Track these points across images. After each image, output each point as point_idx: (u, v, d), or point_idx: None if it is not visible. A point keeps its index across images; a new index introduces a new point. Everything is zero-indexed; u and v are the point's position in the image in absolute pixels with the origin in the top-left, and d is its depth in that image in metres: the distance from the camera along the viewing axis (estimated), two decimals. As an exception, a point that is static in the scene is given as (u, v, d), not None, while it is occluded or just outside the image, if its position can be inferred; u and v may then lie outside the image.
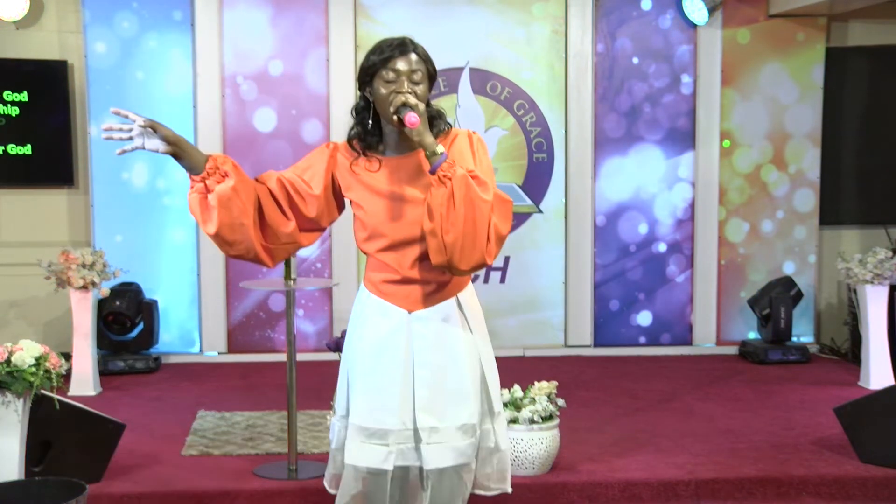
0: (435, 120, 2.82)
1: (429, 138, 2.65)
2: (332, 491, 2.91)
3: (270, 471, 4.27)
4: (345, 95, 6.59)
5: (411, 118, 2.63)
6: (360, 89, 2.84)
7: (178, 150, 2.71)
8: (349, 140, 2.85)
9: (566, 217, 6.77)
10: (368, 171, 2.80)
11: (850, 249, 6.80)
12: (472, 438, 2.78)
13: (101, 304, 6.03)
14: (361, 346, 2.82)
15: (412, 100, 2.67)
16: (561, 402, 4.29)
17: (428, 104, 2.82)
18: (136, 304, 6.25)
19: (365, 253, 2.87)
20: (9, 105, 6.47)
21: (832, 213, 7.02)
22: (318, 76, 6.61)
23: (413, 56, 2.75)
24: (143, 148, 2.72)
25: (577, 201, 6.77)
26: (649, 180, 6.84)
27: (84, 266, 5.64)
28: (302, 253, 6.58)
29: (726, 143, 6.77)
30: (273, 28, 6.59)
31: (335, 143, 2.91)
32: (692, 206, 6.86)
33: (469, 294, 2.88)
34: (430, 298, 2.81)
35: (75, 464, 4.00)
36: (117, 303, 6.15)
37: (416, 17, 6.58)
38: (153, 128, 2.71)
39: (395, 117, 2.69)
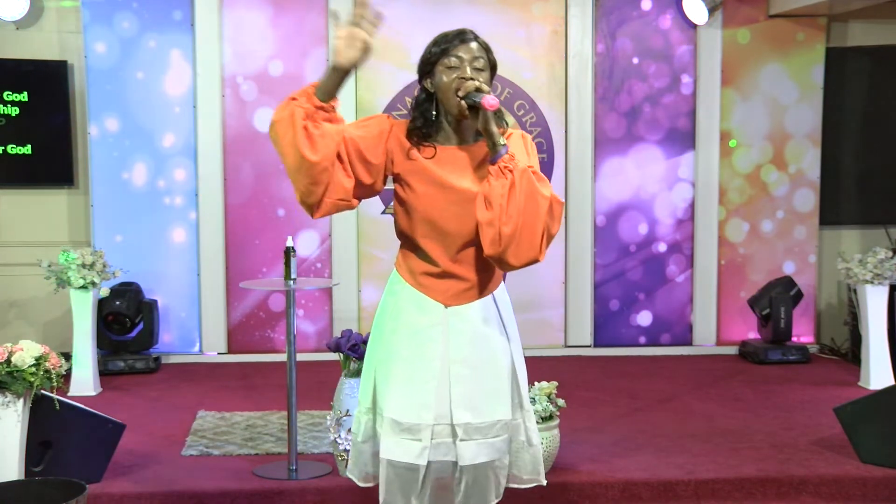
0: (495, 116, 2.81)
1: (495, 128, 2.64)
2: (361, 484, 2.90)
3: (270, 471, 4.28)
4: (345, 95, 6.53)
5: (490, 100, 2.59)
6: (420, 81, 2.81)
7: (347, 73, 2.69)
8: (409, 132, 2.80)
9: (566, 217, 6.77)
10: (425, 157, 2.77)
11: (850, 249, 6.80)
12: (506, 434, 2.80)
13: (101, 304, 6.03)
14: (396, 339, 2.79)
15: (485, 86, 2.65)
16: (561, 402, 4.29)
17: None
18: (136, 304, 6.25)
19: (406, 240, 2.83)
20: (9, 105, 6.47)
21: (832, 213, 7.02)
22: (318, 76, 6.58)
23: (474, 44, 2.75)
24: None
25: (577, 201, 6.77)
26: (649, 180, 6.84)
27: (84, 266, 5.64)
28: (302, 253, 6.58)
29: (732, 142, 6.78)
30: (273, 28, 6.59)
31: (394, 119, 2.85)
32: (692, 206, 6.86)
33: (503, 291, 2.92)
34: (468, 294, 2.81)
35: (75, 464, 4.00)
36: (117, 303, 6.15)
37: (416, 17, 6.57)
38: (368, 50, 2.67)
39: (463, 102, 2.65)
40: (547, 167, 6.75)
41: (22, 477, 3.77)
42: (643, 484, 4.19)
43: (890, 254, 5.79)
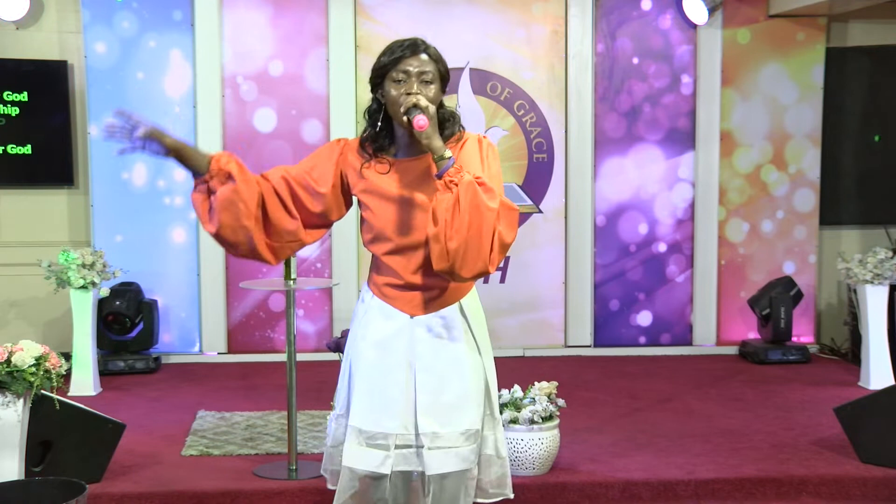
0: (446, 122, 2.80)
1: (437, 142, 2.63)
2: (331, 486, 2.91)
3: (270, 471, 4.28)
4: (345, 96, 6.59)
5: (419, 121, 2.60)
6: (372, 91, 2.81)
7: (180, 156, 2.72)
8: (361, 142, 2.83)
9: (566, 217, 6.77)
10: (378, 172, 2.78)
11: (850, 249, 6.80)
12: (474, 444, 2.77)
13: (101, 304, 6.03)
14: (363, 347, 2.82)
15: (423, 101, 2.64)
16: (561, 402, 4.29)
17: (441, 105, 2.80)
18: (136, 304, 6.25)
19: (372, 254, 2.87)
20: (9, 105, 6.47)
21: (832, 213, 7.02)
22: (318, 76, 6.61)
23: (423, 56, 2.73)
24: (144, 150, 2.69)
25: (577, 201, 6.77)
26: (649, 180, 6.84)
27: (84, 266, 5.64)
28: (302, 253, 6.57)
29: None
30: (273, 28, 6.59)
31: (346, 140, 2.89)
32: (692, 206, 6.86)
33: (472, 299, 2.88)
34: (433, 304, 2.80)
35: (75, 464, 4.00)
36: (117, 303, 6.15)
37: (416, 18, 6.57)
38: (156, 136, 2.70)
39: (405, 118, 2.67)
40: (547, 167, 6.75)
41: (22, 477, 3.76)
42: (643, 484, 4.20)
43: (890, 254, 5.78)
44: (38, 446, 3.97)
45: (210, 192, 2.71)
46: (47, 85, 6.50)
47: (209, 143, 6.51)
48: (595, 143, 6.78)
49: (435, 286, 2.79)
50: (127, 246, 6.48)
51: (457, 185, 2.58)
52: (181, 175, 6.54)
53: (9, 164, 6.50)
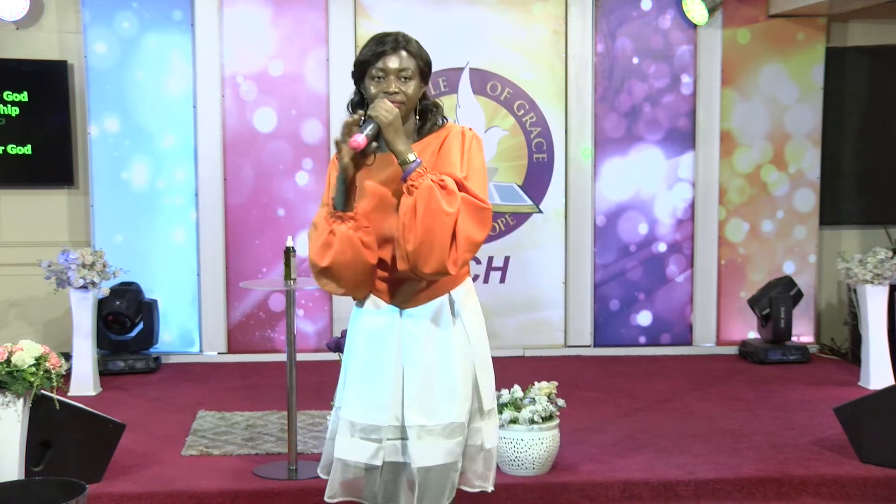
0: (428, 114, 2.81)
1: (400, 145, 2.65)
2: (324, 476, 2.92)
3: (270, 471, 4.28)
4: (345, 95, 6.46)
5: (355, 140, 2.62)
6: (354, 83, 2.84)
7: (353, 183, 2.72)
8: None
9: (566, 217, 6.77)
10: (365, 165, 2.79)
11: (850, 249, 6.80)
12: (459, 437, 2.77)
13: (101, 304, 6.03)
14: (356, 341, 2.85)
15: (383, 112, 2.65)
16: (561, 402, 4.29)
17: (424, 97, 2.82)
18: (136, 304, 6.25)
19: None
20: (9, 105, 6.47)
21: (832, 213, 7.02)
22: (318, 76, 6.61)
23: (403, 53, 2.74)
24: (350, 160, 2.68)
25: (577, 201, 6.77)
26: (649, 180, 6.84)
27: (84, 266, 5.64)
28: (302, 253, 6.56)
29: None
30: (273, 28, 6.59)
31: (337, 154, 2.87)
32: (692, 206, 6.86)
33: (464, 291, 2.85)
34: (421, 296, 2.80)
35: (75, 464, 4.00)
36: (117, 303, 6.15)
37: (416, 17, 6.57)
38: (360, 156, 2.69)
39: (342, 138, 2.67)
40: (547, 167, 6.75)
41: (22, 477, 3.76)
42: (643, 484, 4.20)
43: (890, 254, 5.78)
44: (38, 446, 3.97)
45: (333, 229, 2.71)
46: (47, 85, 6.50)
47: (209, 143, 6.51)
48: (595, 143, 6.78)
49: (423, 278, 2.78)
50: (127, 246, 6.48)
51: (416, 188, 2.61)
52: (181, 175, 6.55)
53: (9, 164, 6.50)
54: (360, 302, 2.87)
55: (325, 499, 2.83)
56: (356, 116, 2.69)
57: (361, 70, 2.78)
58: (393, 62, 2.73)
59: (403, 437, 2.76)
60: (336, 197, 2.71)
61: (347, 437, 2.77)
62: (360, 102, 2.81)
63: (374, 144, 2.69)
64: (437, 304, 2.80)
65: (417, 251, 2.61)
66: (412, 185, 2.63)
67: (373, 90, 2.74)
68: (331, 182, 2.81)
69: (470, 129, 2.83)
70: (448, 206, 2.62)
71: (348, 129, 2.65)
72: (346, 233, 2.68)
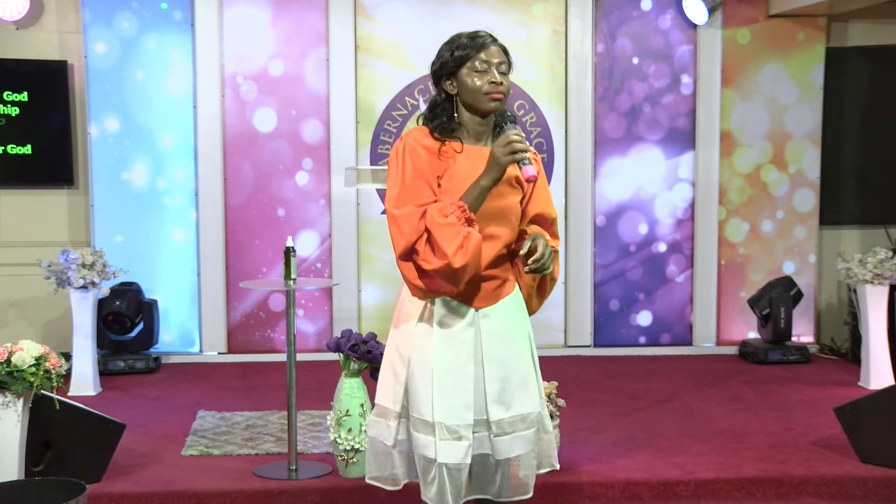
0: (506, 112, 2.88)
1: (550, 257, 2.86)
2: (390, 488, 2.92)
3: (270, 471, 4.27)
4: (345, 96, 6.59)
5: (529, 171, 2.69)
6: (437, 83, 2.84)
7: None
8: (434, 130, 2.81)
9: (566, 217, 6.77)
10: (454, 150, 2.80)
11: (850, 249, 6.80)
12: (536, 426, 2.88)
13: (101, 304, 6.03)
14: (430, 345, 2.80)
15: (529, 151, 2.73)
16: (561, 402, 4.29)
17: None
18: (136, 304, 6.25)
19: None
20: (9, 105, 6.47)
21: (832, 213, 7.02)
22: (318, 76, 6.61)
23: (499, 47, 2.84)
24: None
25: (577, 201, 6.77)
26: (649, 180, 6.84)
27: (84, 266, 5.64)
28: (302, 253, 6.58)
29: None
30: (273, 28, 6.59)
31: (405, 141, 2.82)
32: (692, 206, 6.86)
33: (518, 289, 2.96)
34: (496, 294, 2.85)
35: (75, 464, 4.00)
36: (117, 303, 6.15)
37: (416, 17, 6.58)
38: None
39: (516, 163, 2.71)
40: (547, 167, 6.75)
41: (22, 477, 3.76)
42: (643, 484, 4.19)
43: (890, 254, 5.78)
44: (38, 446, 3.97)
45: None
46: (47, 85, 6.50)
47: (209, 143, 6.52)
48: (595, 143, 6.78)
49: (499, 276, 2.85)
50: (127, 246, 6.48)
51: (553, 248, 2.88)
52: (181, 175, 6.55)
53: (9, 164, 6.50)
54: (429, 302, 2.82)
55: None
56: (522, 141, 2.72)
57: (459, 62, 2.78)
58: (495, 54, 2.81)
59: (485, 431, 2.82)
60: (473, 200, 2.71)
61: (443, 441, 2.76)
62: (448, 100, 2.81)
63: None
64: (508, 301, 2.88)
65: (542, 305, 3.00)
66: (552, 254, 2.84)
67: (476, 82, 2.77)
68: (411, 173, 2.74)
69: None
70: (556, 274, 2.98)
71: (518, 153, 2.69)
72: (477, 236, 2.69)
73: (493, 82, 2.77)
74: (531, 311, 2.95)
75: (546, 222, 3.02)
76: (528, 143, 2.76)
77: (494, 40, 2.84)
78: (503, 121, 2.86)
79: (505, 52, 2.85)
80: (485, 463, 2.87)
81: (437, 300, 2.81)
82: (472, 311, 2.83)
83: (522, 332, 2.91)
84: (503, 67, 2.82)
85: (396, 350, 2.87)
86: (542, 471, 2.98)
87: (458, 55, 2.79)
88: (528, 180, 2.74)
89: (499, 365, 2.83)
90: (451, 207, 2.68)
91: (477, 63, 2.78)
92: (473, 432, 2.80)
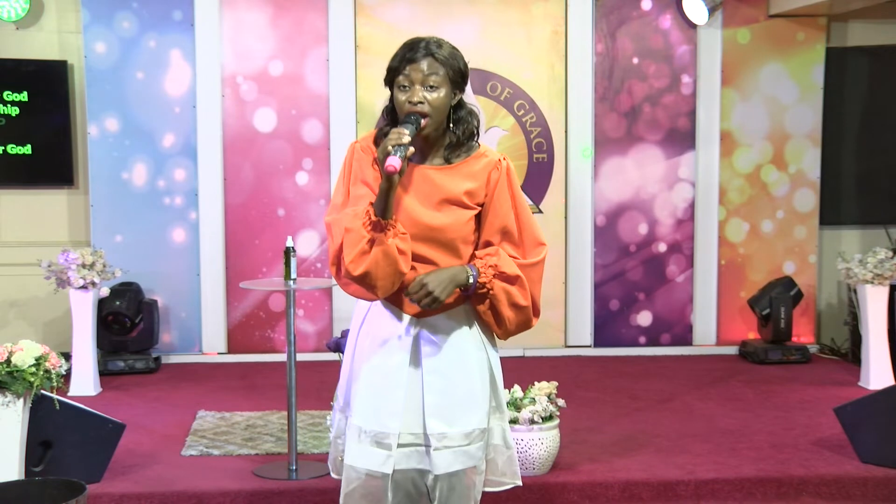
0: (462, 124, 2.76)
1: (450, 283, 2.65)
2: (335, 476, 2.91)
3: (270, 471, 4.28)
4: (345, 96, 6.59)
5: (390, 163, 2.53)
6: (388, 89, 2.79)
7: (392, 190, 2.61)
8: (376, 139, 2.77)
9: (566, 217, 6.77)
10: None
11: (850, 249, 6.80)
12: (480, 442, 2.76)
13: (101, 304, 6.03)
14: (366, 345, 2.79)
15: (405, 139, 2.56)
16: (561, 402, 4.30)
17: (461, 106, 2.78)
18: (136, 304, 6.25)
19: None
20: (9, 105, 6.47)
21: (832, 213, 7.02)
22: (318, 76, 6.61)
23: (429, 61, 2.69)
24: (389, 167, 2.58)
25: (577, 201, 6.77)
26: (649, 180, 6.84)
27: (84, 266, 5.64)
28: (302, 253, 6.58)
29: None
30: (273, 28, 6.59)
31: (353, 146, 2.81)
32: (692, 206, 6.86)
33: None
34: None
35: (75, 464, 4.00)
36: (117, 303, 6.15)
37: (416, 17, 6.58)
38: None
39: (382, 158, 2.59)
40: (547, 167, 6.75)
41: (22, 477, 3.77)
42: (643, 484, 4.20)
43: (890, 254, 5.79)
44: (38, 446, 3.97)
45: (373, 238, 2.61)
46: (47, 85, 6.50)
47: (209, 143, 6.51)
48: (595, 143, 6.78)
49: None
50: (127, 246, 6.48)
51: (492, 291, 2.69)
52: (181, 175, 6.55)
53: (9, 164, 6.50)
54: (373, 304, 2.80)
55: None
56: (388, 145, 2.57)
57: (392, 75, 2.73)
58: (418, 70, 2.68)
59: (422, 444, 2.72)
60: (377, 204, 2.61)
61: (356, 444, 2.73)
62: (393, 109, 2.76)
63: (408, 160, 2.61)
64: (453, 313, 2.77)
65: (513, 334, 2.79)
66: (485, 290, 2.68)
67: (400, 97, 2.69)
68: (351, 178, 2.72)
69: (504, 158, 2.80)
70: (522, 299, 2.72)
71: (384, 153, 2.56)
72: (385, 241, 2.59)
73: (411, 101, 2.66)
74: (499, 337, 2.82)
75: (508, 236, 2.77)
76: (405, 135, 2.56)
77: (428, 52, 2.70)
78: (462, 129, 2.77)
79: (442, 62, 2.71)
80: (418, 482, 2.76)
81: (378, 303, 2.77)
82: (409, 317, 2.74)
83: (473, 344, 2.77)
84: (432, 80, 2.68)
85: (347, 346, 2.88)
86: (506, 487, 2.88)
87: (391, 66, 2.74)
88: (387, 173, 2.55)
89: (442, 377, 2.72)
90: (361, 213, 2.63)
91: (401, 78, 2.70)
92: (404, 444, 2.71)
